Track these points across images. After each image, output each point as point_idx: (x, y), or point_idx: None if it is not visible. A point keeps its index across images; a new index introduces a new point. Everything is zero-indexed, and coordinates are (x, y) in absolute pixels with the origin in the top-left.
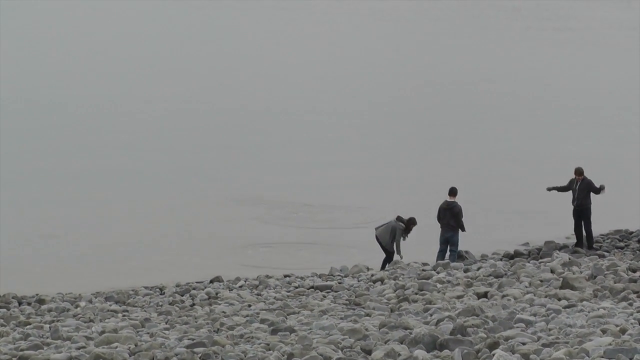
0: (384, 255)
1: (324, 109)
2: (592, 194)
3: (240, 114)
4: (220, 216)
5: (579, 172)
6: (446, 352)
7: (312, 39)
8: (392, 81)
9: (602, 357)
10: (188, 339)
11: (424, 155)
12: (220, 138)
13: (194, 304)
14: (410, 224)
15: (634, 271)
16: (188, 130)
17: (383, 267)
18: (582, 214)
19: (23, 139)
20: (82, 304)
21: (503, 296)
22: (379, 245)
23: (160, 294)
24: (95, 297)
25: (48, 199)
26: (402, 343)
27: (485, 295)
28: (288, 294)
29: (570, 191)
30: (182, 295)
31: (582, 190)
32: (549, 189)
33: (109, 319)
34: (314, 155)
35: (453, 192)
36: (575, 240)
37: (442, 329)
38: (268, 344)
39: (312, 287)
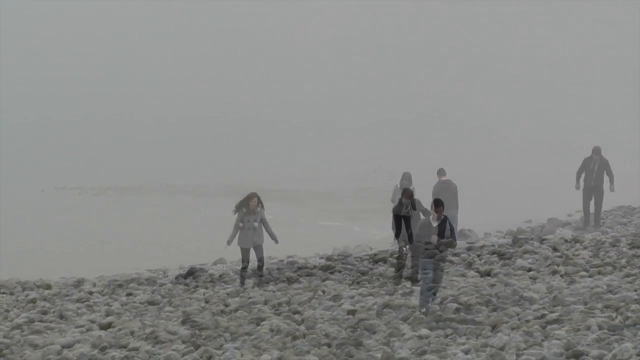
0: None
1: (328, 101)
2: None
3: (242, 103)
4: (221, 200)
5: (597, 151)
6: (450, 330)
7: (317, 34)
8: (385, 64)
9: (606, 333)
10: (192, 321)
11: (426, 135)
12: (221, 126)
13: (197, 286)
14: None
15: (637, 247)
16: (189, 119)
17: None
18: (597, 193)
19: (26, 128)
20: (86, 287)
21: (506, 274)
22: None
23: (164, 277)
24: (99, 281)
25: (52, 185)
26: (405, 322)
27: (488, 273)
28: (292, 274)
29: (586, 170)
30: (186, 278)
31: (600, 170)
32: (577, 182)
33: (113, 302)
34: (315, 143)
35: (444, 172)
36: (582, 217)
37: (445, 307)
38: (272, 325)
39: (316, 268)
